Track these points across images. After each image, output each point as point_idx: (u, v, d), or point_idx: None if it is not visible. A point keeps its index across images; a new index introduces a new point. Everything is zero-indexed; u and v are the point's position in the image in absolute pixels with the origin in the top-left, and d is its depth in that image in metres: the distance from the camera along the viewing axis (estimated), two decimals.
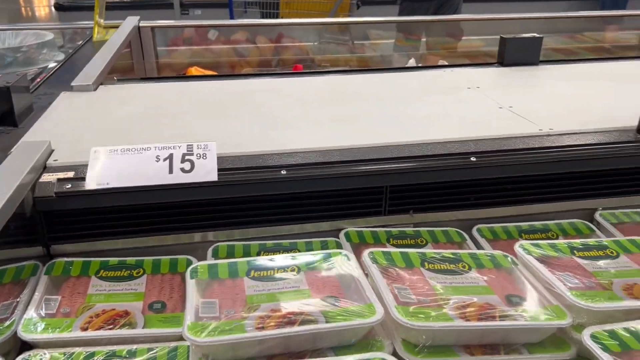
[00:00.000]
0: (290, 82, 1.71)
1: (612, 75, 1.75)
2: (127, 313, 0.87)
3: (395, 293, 0.85)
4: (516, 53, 1.78)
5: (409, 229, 1.20)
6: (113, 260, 1.02)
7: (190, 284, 0.86)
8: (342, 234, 1.14)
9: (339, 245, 1.11)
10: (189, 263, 1.02)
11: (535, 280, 0.93)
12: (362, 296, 0.85)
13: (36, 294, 0.89)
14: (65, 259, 1.01)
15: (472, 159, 1.16)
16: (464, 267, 0.96)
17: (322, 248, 1.09)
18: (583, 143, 1.23)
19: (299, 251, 1.08)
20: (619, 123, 1.30)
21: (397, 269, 0.93)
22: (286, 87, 1.64)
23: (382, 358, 0.75)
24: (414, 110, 1.43)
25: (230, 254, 1.06)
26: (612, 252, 1.00)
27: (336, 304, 0.83)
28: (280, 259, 0.96)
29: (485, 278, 0.93)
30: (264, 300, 0.83)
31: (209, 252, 1.06)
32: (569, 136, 1.26)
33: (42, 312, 0.86)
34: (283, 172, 1.07)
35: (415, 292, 0.87)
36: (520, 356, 0.83)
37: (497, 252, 1.02)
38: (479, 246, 1.16)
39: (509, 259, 1.00)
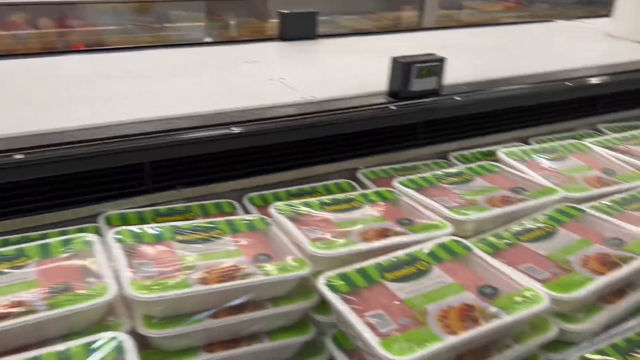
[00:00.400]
0: (49, 62, 1.57)
1: (379, 47, 1.90)
2: None
3: (134, 269, 0.82)
4: (294, 28, 1.84)
5: (179, 205, 1.17)
6: None
7: None
8: (101, 218, 1.07)
9: (98, 231, 1.04)
10: None
11: (286, 237, 0.97)
12: (99, 279, 0.81)
13: None
14: None
15: (234, 128, 1.17)
16: (218, 234, 0.96)
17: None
18: (339, 107, 1.31)
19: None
20: (375, 88, 1.41)
21: (144, 246, 0.89)
22: (43, 68, 1.50)
23: (111, 337, 0.72)
24: (183, 84, 1.40)
25: None
26: (357, 204, 1.08)
27: (66, 291, 0.77)
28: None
29: (239, 242, 0.95)
30: None
31: None
32: (328, 102, 1.33)
33: None
34: (18, 156, 0.97)
35: (159, 265, 0.85)
36: (265, 311, 0.85)
37: (255, 216, 1.04)
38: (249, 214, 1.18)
39: (265, 221, 1.02)
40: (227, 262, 0.87)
